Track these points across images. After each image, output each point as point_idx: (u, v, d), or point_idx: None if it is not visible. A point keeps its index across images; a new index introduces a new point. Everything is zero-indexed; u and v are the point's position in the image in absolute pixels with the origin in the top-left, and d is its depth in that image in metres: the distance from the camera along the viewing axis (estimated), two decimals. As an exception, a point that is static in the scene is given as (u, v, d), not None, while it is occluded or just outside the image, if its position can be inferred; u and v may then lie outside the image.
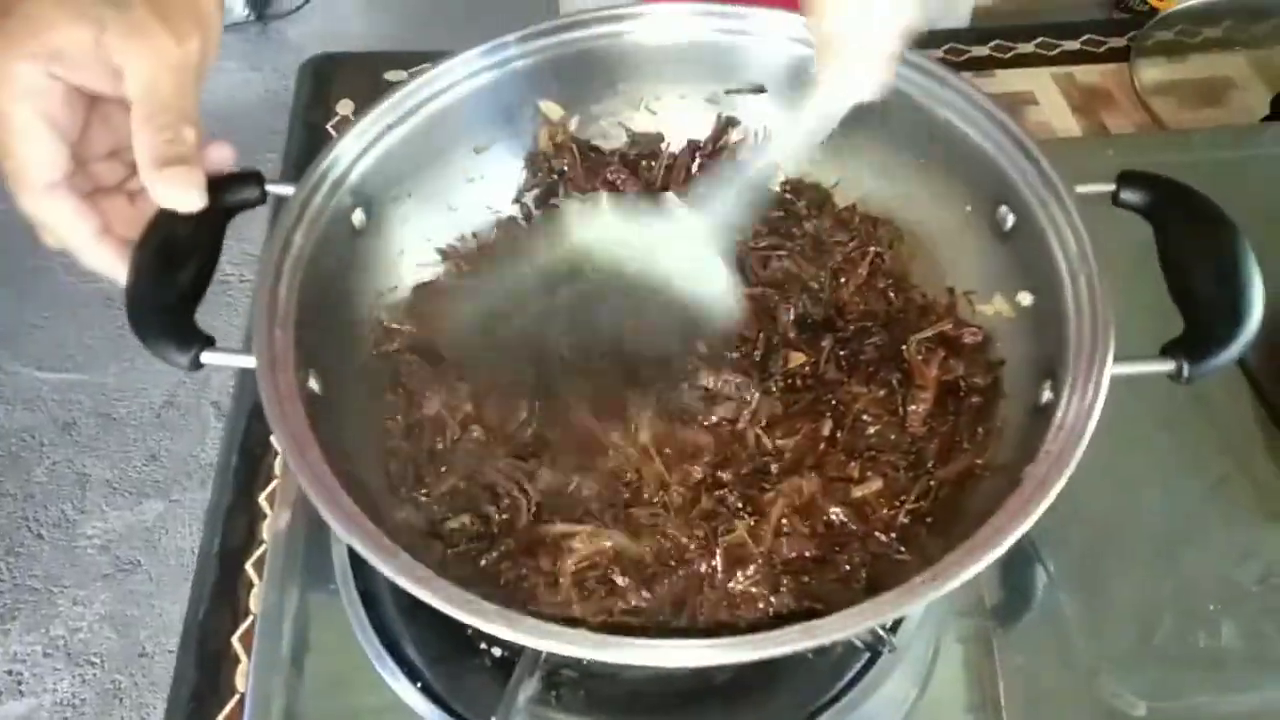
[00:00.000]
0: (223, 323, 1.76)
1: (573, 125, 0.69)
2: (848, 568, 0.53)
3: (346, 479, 0.48)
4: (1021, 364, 0.57)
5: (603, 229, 0.60)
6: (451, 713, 0.56)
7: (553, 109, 0.67)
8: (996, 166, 0.58)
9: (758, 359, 0.61)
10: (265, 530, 0.67)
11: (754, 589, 0.52)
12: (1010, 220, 0.58)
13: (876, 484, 0.55)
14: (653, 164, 0.69)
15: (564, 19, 0.65)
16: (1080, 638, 0.60)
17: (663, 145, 0.70)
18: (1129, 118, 0.90)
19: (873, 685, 0.57)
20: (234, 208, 0.56)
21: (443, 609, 0.43)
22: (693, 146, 0.70)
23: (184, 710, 0.60)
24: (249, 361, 0.50)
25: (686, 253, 0.58)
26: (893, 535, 0.54)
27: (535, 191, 0.69)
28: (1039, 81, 0.93)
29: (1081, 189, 0.55)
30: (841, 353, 0.62)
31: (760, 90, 0.68)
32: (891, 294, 0.64)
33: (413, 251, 0.65)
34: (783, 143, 0.58)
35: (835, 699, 0.56)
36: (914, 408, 0.58)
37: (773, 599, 0.52)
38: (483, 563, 0.54)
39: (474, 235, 0.68)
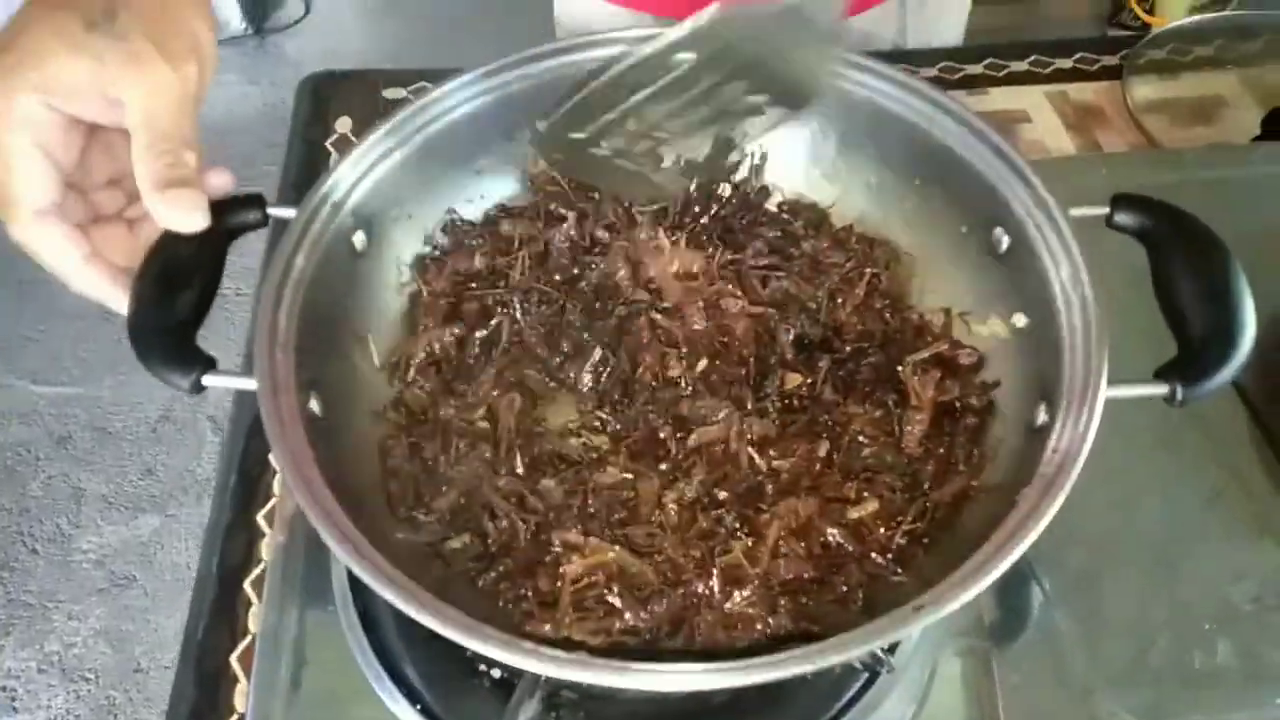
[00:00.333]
0: (220, 338, 1.75)
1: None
2: (844, 589, 0.53)
3: (346, 501, 0.48)
4: (1017, 385, 0.57)
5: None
6: (451, 734, 0.56)
7: (552, 130, 0.68)
8: (992, 188, 0.59)
9: (753, 381, 0.61)
10: (264, 549, 0.67)
11: (751, 610, 0.52)
12: (1005, 242, 0.59)
13: (873, 505, 0.56)
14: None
15: (560, 43, 0.65)
16: (1076, 657, 0.61)
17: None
18: (1123, 136, 0.91)
19: (871, 705, 0.57)
20: (236, 230, 0.56)
21: (440, 631, 0.43)
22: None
23: (182, 729, 0.60)
24: (250, 384, 0.50)
25: None
26: (889, 556, 0.55)
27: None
28: (1033, 100, 0.94)
29: (1076, 212, 0.55)
30: (839, 373, 0.62)
31: (757, 111, 0.68)
32: (888, 315, 0.65)
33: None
34: None
35: (834, 719, 0.56)
36: (910, 428, 0.58)
37: (770, 620, 0.52)
38: (481, 583, 0.54)
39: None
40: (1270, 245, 0.75)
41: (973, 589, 0.43)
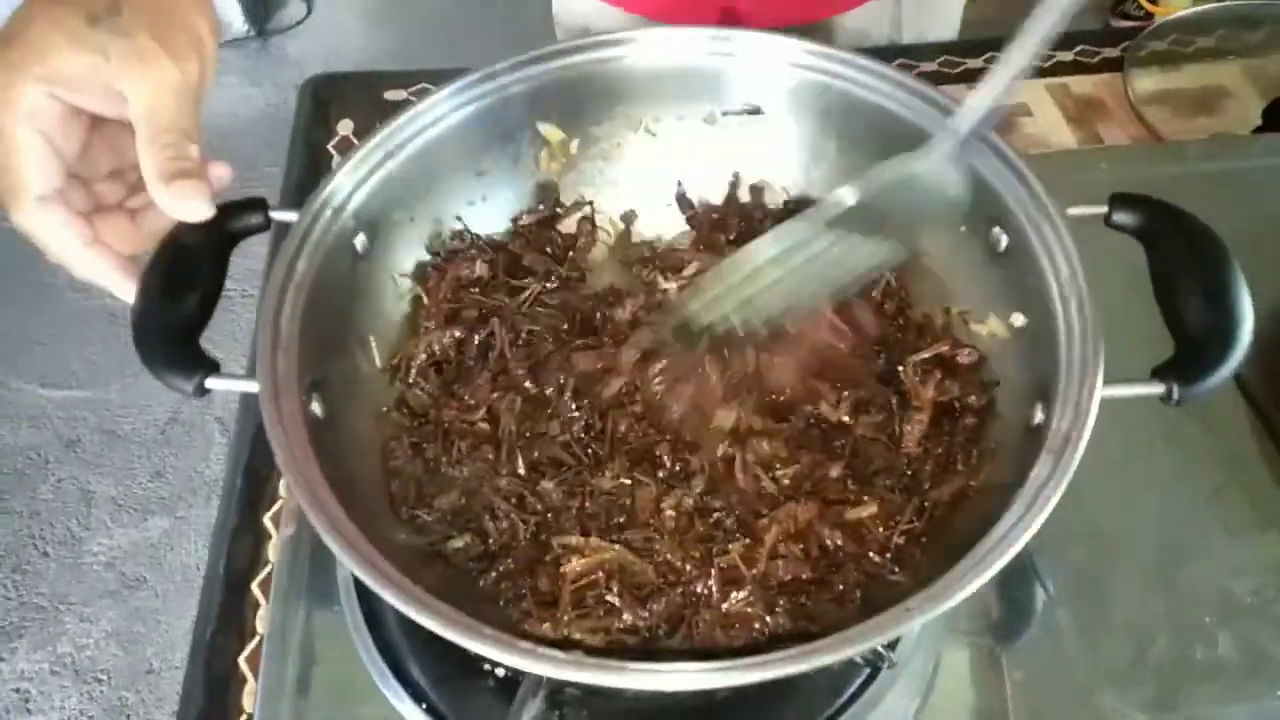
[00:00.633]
0: (225, 338, 1.77)
1: (573, 148, 0.69)
2: (842, 588, 0.54)
3: (348, 502, 0.49)
4: (1015, 384, 0.57)
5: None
6: (456, 733, 0.57)
7: (553, 132, 0.68)
8: (991, 188, 0.58)
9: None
10: (271, 551, 0.67)
11: (749, 609, 0.52)
12: (1004, 241, 0.59)
13: (872, 508, 0.56)
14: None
15: (559, 45, 0.65)
16: (1079, 652, 0.61)
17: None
18: (1124, 128, 0.91)
19: (873, 700, 0.57)
20: (239, 234, 0.57)
21: (439, 632, 0.43)
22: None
23: (193, 731, 0.61)
24: (253, 387, 0.51)
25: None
26: (887, 556, 0.55)
27: (535, 216, 0.69)
28: (1033, 93, 0.93)
29: (1074, 211, 0.55)
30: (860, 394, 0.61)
31: (756, 112, 0.68)
32: (901, 318, 0.65)
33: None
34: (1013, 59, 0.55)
35: (836, 714, 0.57)
36: (909, 429, 0.58)
37: (768, 619, 0.52)
38: (482, 583, 0.55)
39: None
40: (1273, 237, 0.75)
41: (967, 588, 0.43)
